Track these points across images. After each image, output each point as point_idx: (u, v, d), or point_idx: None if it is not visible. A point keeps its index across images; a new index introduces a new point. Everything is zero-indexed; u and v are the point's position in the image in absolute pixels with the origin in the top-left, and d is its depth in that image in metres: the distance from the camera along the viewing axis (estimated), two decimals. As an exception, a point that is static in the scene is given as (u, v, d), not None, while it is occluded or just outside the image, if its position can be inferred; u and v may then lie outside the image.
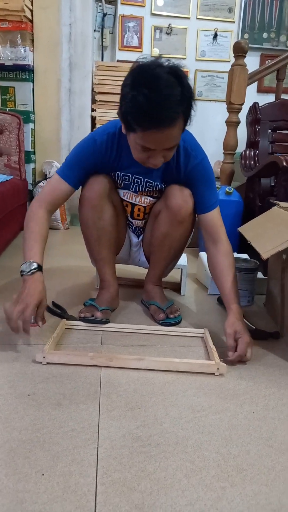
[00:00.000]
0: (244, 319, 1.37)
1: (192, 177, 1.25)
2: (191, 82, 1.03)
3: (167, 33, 3.52)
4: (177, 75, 0.99)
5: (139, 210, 1.38)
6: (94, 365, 1.05)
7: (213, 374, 1.05)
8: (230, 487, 0.69)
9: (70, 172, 1.24)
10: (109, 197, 1.27)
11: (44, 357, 1.05)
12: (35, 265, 1.12)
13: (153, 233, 1.36)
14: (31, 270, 1.11)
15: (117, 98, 1.10)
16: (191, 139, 1.24)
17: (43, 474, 0.69)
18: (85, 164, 1.24)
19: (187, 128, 1.12)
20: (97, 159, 1.23)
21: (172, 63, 1.01)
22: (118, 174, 1.27)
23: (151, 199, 1.34)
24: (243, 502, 0.66)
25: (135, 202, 1.36)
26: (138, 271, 1.69)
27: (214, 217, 1.28)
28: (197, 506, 0.65)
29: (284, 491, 0.69)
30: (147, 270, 1.50)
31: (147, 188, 1.30)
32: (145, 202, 1.35)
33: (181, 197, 1.25)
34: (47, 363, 1.05)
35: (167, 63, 1.00)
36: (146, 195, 1.33)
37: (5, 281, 1.69)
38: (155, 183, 1.28)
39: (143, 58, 1.02)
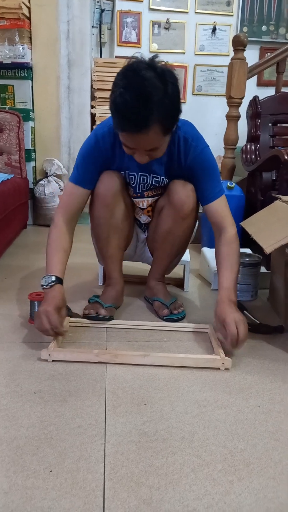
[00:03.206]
0: (248, 314, 1.38)
1: (194, 168, 1.24)
2: (181, 86, 1.02)
3: (166, 28, 3.50)
4: (164, 80, 0.97)
5: (148, 212, 1.39)
6: (99, 362, 1.06)
7: (218, 368, 1.06)
8: (237, 481, 0.69)
9: (81, 175, 1.25)
10: (121, 194, 1.27)
11: (49, 354, 1.05)
12: (53, 278, 1.15)
13: (156, 230, 1.36)
14: (49, 284, 1.14)
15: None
16: (191, 129, 1.23)
17: (51, 471, 0.70)
18: (93, 163, 1.23)
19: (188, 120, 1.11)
20: (103, 154, 1.22)
21: (165, 66, 1.00)
22: (124, 173, 1.27)
23: (154, 198, 1.34)
24: (251, 496, 0.66)
25: (143, 207, 1.36)
26: (141, 268, 1.69)
27: (218, 207, 1.25)
28: (205, 500, 0.65)
29: (291, 484, 0.69)
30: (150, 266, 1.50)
31: (153, 185, 1.29)
32: (151, 202, 1.36)
33: (184, 193, 1.24)
34: (53, 360, 1.05)
35: (160, 64, 0.99)
36: (149, 195, 1.33)
37: (7, 280, 1.69)
38: (161, 177, 1.27)
39: (138, 54, 1.02)
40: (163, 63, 1.01)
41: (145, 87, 0.95)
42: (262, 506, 0.64)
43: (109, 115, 1.07)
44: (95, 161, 1.23)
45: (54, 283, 1.14)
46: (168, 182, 1.29)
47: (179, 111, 1.05)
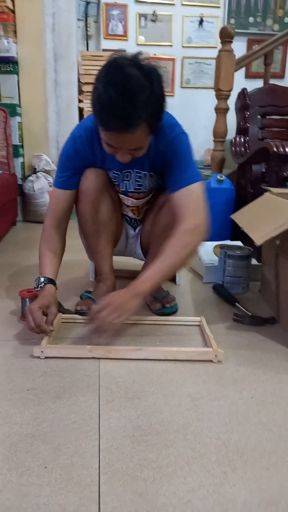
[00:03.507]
0: (240, 306, 1.38)
1: (166, 154, 1.16)
2: (168, 81, 1.00)
3: (152, 20, 3.47)
4: (150, 78, 0.95)
5: (132, 210, 1.38)
6: (92, 357, 1.05)
7: (211, 361, 1.06)
8: (231, 472, 0.70)
9: (63, 178, 1.24)
10: (106, 189, 1.26)
11: (42, 351, 1.05)
12: (42, 279, 1.18)
13: (154, 224, 1.34)
14: (39, 285, 1.18)
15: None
16: (167, 117, 1.14)
17: (45, 467, 0.69)
18: (73, 165, 1.22)
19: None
20: (82, 156, 1.21)
21: (149, 63, 0.97)
22: (108, 171, 1.26)
23: (141, 200, 1.33)
24: (245, 486, 0.67)
25: (127, 204, 1.36)
26: (134, 263, 1.69)
27: (182, 195, 1.15)
28: (200, 492, 0.65)
29: (285, 474, 0.70)
30: (142, 261, 1.49)
31: (136, 182, 1.28)
32: (137, 203, 1.35)
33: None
34: (45, 357, 1.05)
35: (144, 62, 0.96)
36: (134, 197, 1.32)
37: (-2, 277, 1.68)
38: (143, 173, 1.26)
39: (122, 52, 0.98)
40: (147, 59, 0.98)
41: (131, 85, 0.92)
42: (256, 496, 0.65)
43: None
44: (75, 164, 1.22)
45: (43, 283, 1.17)
46: (152, 178, 1.27)
47: (164, 109, 1.03)
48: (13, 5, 2.65)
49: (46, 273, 1.20)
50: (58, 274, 1.25)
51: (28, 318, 1.07)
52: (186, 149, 1.18)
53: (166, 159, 1.18)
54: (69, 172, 1.23)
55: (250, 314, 1.34)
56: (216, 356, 1.06)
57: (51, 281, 1.19)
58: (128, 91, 0.92)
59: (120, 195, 1.34)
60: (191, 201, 1.15)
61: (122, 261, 1.71)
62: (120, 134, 0.98)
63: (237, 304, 1.41)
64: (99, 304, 1.06)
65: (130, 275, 1.68)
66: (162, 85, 0.99)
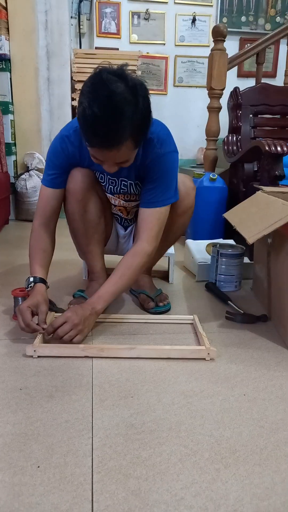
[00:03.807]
0: (232, 304, 1.39)
1: (150, 169, 1.17)
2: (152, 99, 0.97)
3: (145, 19, 3.47)
4: (135, 93, 0.94)
5: (119, 210, 1.38)
6: (85, 356, 1.05)
7: (204, 359, 1.07)
8: (224, 469, 0.70)
9: (51, 176, 1.24)
10: (94, 189, 1.26)
11: (34, 350, 1.04)
12: (32, 279, 1.19)
13: None
14: (29, 284, 1.19)
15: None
16: (161, 131, 1.16)
17: (38, 466, 0.69)
18: (61, 164, 1.22)
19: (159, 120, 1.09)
20: (70, 156, 1.20)
21: (135, 78, 0.96)
22: (95, 172, 1.26)
23: (131, 202, 1.33)
24: (237, 482, 0.67)
25: (115, 203, 1.36)
26: (125, 261, 1.69)
27: (151, 216, 1.19)
28: (193, 488, 0.66)
29: (276, 469, 0.71)
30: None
31: (121, 189, 1.28)
32: (124, 204, 1.35)
33: (184, 190, 1.24)
34: (38, 356, 1.05)
35: (129, 76, 0.95)
36: (123, 199, 1.32)
37: (-9, 276, 1.67)
38: (129, 181, 1.25)
39: (106, 65, 0.96)
40: (134, 74, 0.97)
41: (116, 101, 0.90)
42: (249, 492, 0.66)
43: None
44: (64, 163, 1.22)
45: (33, 283, 1.18)
46: (138, 186, 1.26)
47: (149, 124, 1.02)
48: (6, 2, 2.63)
49: (36, 273, 1.21)
50: (49, 272, 1.25)
51: (18, 318, 1.09)
52: (171, 169, 1.19)
53: (150, 173, 1.18)
54: (58, 170, 1.23)
55: (242, 312, 1.35)
56: (208, 354, 1.06)
57: (41, 280, 1.19)
58: (113, 108, 0.91)
59: (108, 194, 1.34)
60: (158, 224, 1.20)
61: (115, 260, 1.71)
62: (105, 151, 0.98)
63: (229, 302, 1.42)
64: (58, 320, 1.08)
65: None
66: (148, 100, 0.98)
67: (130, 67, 0.99)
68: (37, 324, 1.09)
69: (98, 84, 0.92)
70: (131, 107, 0.93)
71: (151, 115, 1.01)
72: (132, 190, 1.28)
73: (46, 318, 1.11)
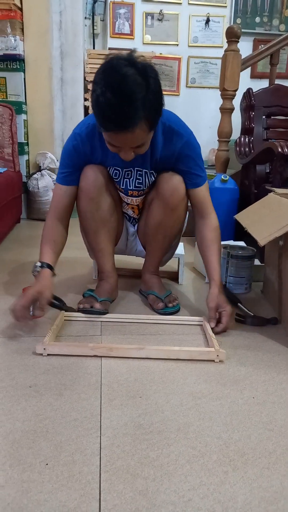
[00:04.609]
0: (242, 306, 1.39)
1: (182, 156, 1.24)
2: (161, 81, 1.01)
3: (159, 19, 3.47)
4: (145, 75, 0.96)
5: (132, 208, 1.39)
6: (94, 356, 1.06)
7: (213, 361, 1.06)
8: (232, 471, 0.70)
9: (65, 174, 1.26)
10: (106, 187, 1.27)
11: (44, 348, 1.05)
12: (39, 264, 1.21)
13: (147, 223, 1.36)
14: (35, 269, 1.20)
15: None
16: (174, 118, 1.22)
17: (47, 464, 0.70)
18: (73, 162, 1.24)
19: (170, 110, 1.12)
20: (83, 154, 1.23)
21: (144, 61, 0.98)
22: (109, 168, 1.27)
23: (138, 198, 1.36)
24: (245, 485, 0.67)
25: (127, 202, 1.38)
26: (136, 261, 1.69)
27: (203, 192, 1.30)
28: (200, 490, 0.66)
29: (285, 473, 0.70)
30: (144, 259, 1.50)
31: (137, 180, 1.29)
32: (137, 201, 1.37)
33: (172, 184, 1.25)
34: (48, 354, 1.05)
35: (139, 59, 0.97)
36: (134, 195, 1.34)
37: (2, 274, 1.69)
38: (144, 170, 1.27)
39: (116, 53, 1.00)
40: (142, 57, 0.99)
41: (127, 85, 0.93)
42: (257, 496, 0.65)
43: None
44: (76, 161, 1.24)
45: (41, 267, 1.20)
46: (152, 176, 1.29)
47: (162, 105, 1.04)
48: (21, 3, 2.66)
49: (44, 259, 1.22)
50: (59, 271, 1.27)
51: (12, 313, 1.11)
52: (199, 150, 1.27)
53: (180, 159, 1.24)
54: (70, 168, 1.25)
55: (252, 314, 1.34)
56: (218, 356, 1.06)
57: (48, 266, 1.20)
58: (125, 91, 0.93)
59: (120, 193, 1.35)
60: (209, 198, 1.32)
61: (125, 260, 1.71)
62: (121, 133, 1.00)
63: (239, 304, 1.41)
64: (227, 320, 1.20)
65: (132, 274, 1.69)
66: (158, 81, 1.01)
67: None
68: (33, 309, 1.11)
69: (109, 70, 0.96)
70: (143, 88, 0.95)
71: (163, 96, 1.04)
72: (147, 180, 1.29)
73: (45, 305, 1.12)
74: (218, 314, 1.21)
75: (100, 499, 0.63)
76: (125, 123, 0.97)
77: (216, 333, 1.17)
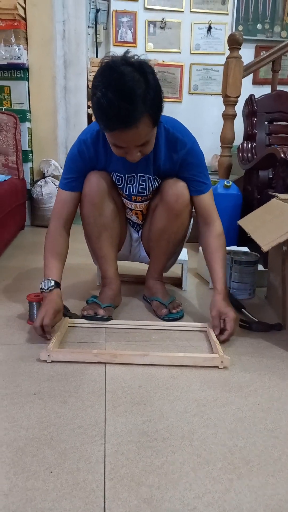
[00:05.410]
0: (246, 312, 1.38)
1: (186, 163, 1.25)
2: (159, 76, 1.03)
3: (161, 27, 3.50)
4: (143, 71, 0.98)
5: (136, 214, 1.40)
6: (98, 362, 1.06)
7: (217, 367, 1.06)
8: (237, 479, 0.70)
9: (69, 180, 1.27)
10: (109, 193, 1.27)
11: (48, 355, 1.05)
12: (52, 283, 1.21)
13: (150, 228, 1.36)
14: (49, 287, 1.20)
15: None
16: (177, 125, 1.23)
17: (51, 472, 0.70)
18: (78, 167, 1.25)
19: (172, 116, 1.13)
20: (87, 160, 1.24)
21: (139, 58, 1.00)
22: (112, 174, 1.28)
23: (145, 202, 1.36)
24: (251, 493, 0.67)
25: (131, 208, 1.38)
26: (139, 267, 1.69)
27: (207, 200, 1.30)
28: (205, 498, 0.65)
29: (290, 481, 0.70)
30: (148, 265, 1.50)
31: (140, 186, 1.30)
32: (140, 207, 1.37)
33: (176, 190, 1.25)
34: (52, 361, 1.05)
35: (134, 58, 0.99)
36: (138, 200, 1.34)
37: (6, 281, 1.69)
38: (147, 176, 1.28)
39: (111, 53, 1.02)
40: (136, 56, 1.00)
41: (126, 82, 0.95)
42: (262, 504, 0.65)
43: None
44: (80, 167, 1.25)
45: (53, 287, 1.20)
46: (156, 182, 1.29)
47: (162, 100, 1.05)
48: (25, 13, 2.69)
49: (54, 276, 1.23)
50: (63, 278, 1.29)
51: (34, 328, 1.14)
52: (202, 158, 1.28)
53: (184, 166, 1.25)
54: (74, 174, 1.26)
55: (256, 320, 1.33)
56: (222, 362, 1.06)
57: (58, 285, 1.23)
58: (125, 89, 0.95)
59: (124, 199, 1.36)
60: (214, 205, 1.32)
61: (128, 266, 1.72)
62: (124, 131, 1.01)
63: (243, 310, 1.41)
64: (231, 326, 1.17)
65: (136, 280, 1.69)
66: (155, 76, 1.02)
67: None
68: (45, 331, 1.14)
69: (106, 71, 0.98)
70: (142, 84, 0.97)
71: (162, 91, 1.05)
72: (150, 185, 1.30)
73: (54, 325, 1.16)
74: (222, 322, 1.20)
75: (104, 507, 0.63)
76: (128, 119, 0.98)
77: (222, 341, 1.16)
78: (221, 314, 1.19)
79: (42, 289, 1.21)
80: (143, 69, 0.98)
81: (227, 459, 0.74)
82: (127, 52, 1.01)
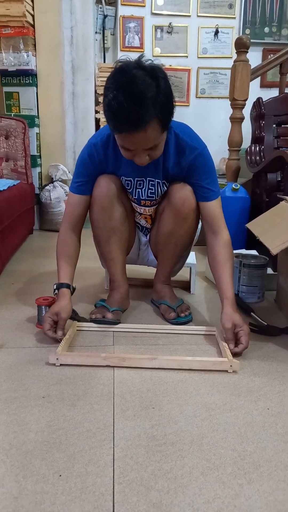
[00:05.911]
0: (255, 315, 1.37)
1: (193, 168, 1.24)
2: (171, 81, 1.04)
3: (168, 32, 3.51)
4: (155, 76, 0.98)
5: (145, 218, 1.40)
6: (107, 366, 1.06)
7: (226, 371, 1.05)
8: (247, 484, 0.69)
9: (79, 183, 1.28)
10: (118, 196, 1.28)
11: (57, 358, 1.05)
12: (55, 286, 1.26)
13: (158, 232, 1.36)
14: (54, 290, 1.26)
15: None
16: (187, 131, 1.24)
17: (60, 475, 0.70)
18: (88, 171, 1.26)
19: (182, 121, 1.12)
20: (97, 163, 1.25)
21: (152, 62, 1.01)
22: (121, 179, 1.29)
23: (151, 208, 1.36)
24: (261, 499, 0.66)
25: (140, 212, 1.39)
26: (147, 271, 1.69)
27: (214, 207, 1.27)
28: (215, 503, 0.65)
29: (302, 487, 0.69)
30: (156, 269, 1.50)
31: (149, 190, 1.30)
32: (149, 211, 1.38)
33: (182, 194, 1.25)
34: (60, 364, 1.06)
35: (147, 62, 1.00)
36: (147, 205, 1.35)
37: (15, 285, 1.70)
38: (156, 180, 1.28)
39: (124, 57, 1.04)
40: (150, 61, 1.01)
41: (137, 85, 0.96)
42: (273, 509, 0.64)
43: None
44: (90, 170, 1.26)
45: (58, 289, 1.25)
46: (165, 186, 1.30)
47: (173, 105, 1.06)
48: (33, 20, 2.72)
49: (64, 279, 1.26)
50: (74, 280, 1.30)
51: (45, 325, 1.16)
52: (212, 164, 1.27)
53: (193, 172, 1.24)
54: (84, 178, 1.27)
55: (265, 323, 1.32)
56: (231, 366, 1.05)
57: (66, 286, 1.25)
58: (135, 92, 0.96)
59: (133, 203, 1.36)
60: (222, 213, 1.29)
61: (136, 270, 1.71)
62: (133, 133, 1.01)
63: (252, 313, 1.40)
64: (246, 340, 1.12)
65: (144, 283, 1.69)
66: (167, 81, 1.02)
67: None
68: (55, 331, 1.16)
69: (118, 74, 0.99)
70: (153, 88, 0.97)
71: (173, 96, 1.05)
72: (159, 189, 1.30)
73: (64, 325, 1.17)
74: (235, 334, 1.15)
75: (113, 511, 0.63)
76: (137, 122, 0.98)
77: (235, 354, 1.12)
78: (236, 326, 1.14)
79: (54, 290, 1.26)
80: (155, 73, 0.99)
81: (237, 464, 0.73)
82: (141, 56, 1.02)
